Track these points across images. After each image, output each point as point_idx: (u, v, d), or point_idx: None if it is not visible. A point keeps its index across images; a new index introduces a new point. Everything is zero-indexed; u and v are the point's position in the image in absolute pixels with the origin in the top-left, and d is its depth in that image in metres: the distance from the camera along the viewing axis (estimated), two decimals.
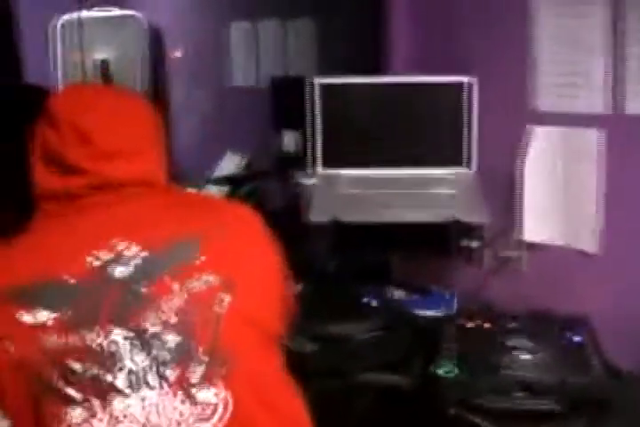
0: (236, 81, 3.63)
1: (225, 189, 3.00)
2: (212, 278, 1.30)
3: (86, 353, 1.24)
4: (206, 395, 1.25)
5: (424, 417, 1.88)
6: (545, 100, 2.09)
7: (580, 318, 1.96)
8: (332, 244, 2.37)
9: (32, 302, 1.26)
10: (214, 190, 3.01)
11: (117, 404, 1.24)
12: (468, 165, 2.30)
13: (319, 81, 2.32)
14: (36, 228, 1.39)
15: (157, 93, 4.02)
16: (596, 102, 1.97)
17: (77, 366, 1.24)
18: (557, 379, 1.71)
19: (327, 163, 2.36)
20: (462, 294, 2.33)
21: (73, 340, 1.24)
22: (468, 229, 2.24)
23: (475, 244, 2.32)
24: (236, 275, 1.34)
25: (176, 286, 1.28)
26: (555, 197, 2.11)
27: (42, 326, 1.24)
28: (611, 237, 2.00)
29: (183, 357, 1.26)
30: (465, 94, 2.25)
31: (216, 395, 1.26)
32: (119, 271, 1.29)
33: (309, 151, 2.36)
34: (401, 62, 2.49)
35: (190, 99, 4.04)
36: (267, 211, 2.65)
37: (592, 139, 1.99)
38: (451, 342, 1.89)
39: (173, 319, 1.27)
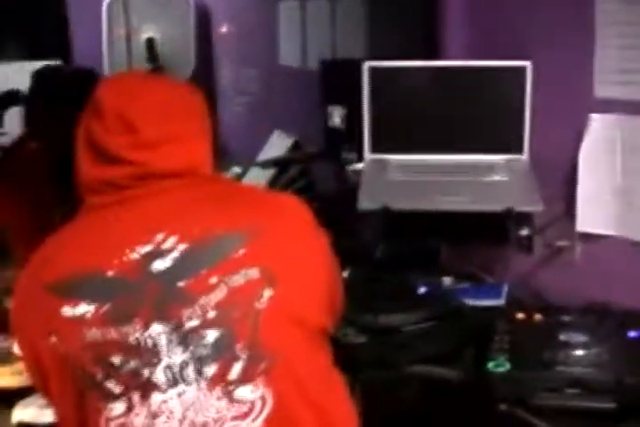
0: (283, 61, 3.58)
1: (271, 172, 2.96)
2: (251, 273, 1.28)
3: (125, 347, 1.24)
4: (244, 392, 1.24)
5: (473, 412, 1.84)
6: (606, 87, 2.01)
7: (636, 314, 1.90)
8: (382, 231, 2.33)
9: (73, 295, 1.26)
10: (260, 173, 2.98)
11: (155, 399, 1.24)
12: (522, 152, 2.24)
13: (369, 64, 2.28)
14: (79, 220, 1.39)
15: (204, 73, 3.99)
16: None
17: (117, 360, 1.24)
18: (613, 377, 1.65)
19: (376, 147, 2.32)
20: (513, 284, 2.28)
21: (111, 333, 1.24)
22: (521, 218, 2.19)
23: (525, 231, 2.27)
24: (278, 269, 1.31)
25: (215, 281, 1.26)
26: (612, 187, 2.04)
27: (81, 320, 1.24)
28: None
29: (221, 352, 1.24)
30: (520, 79, 2.19)
31: (253, 392, 1.24)
32: (158, 264, 1.27)
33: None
34: (456, 48, 2.43)
35: (238, 78, 4.00)
36: (316, 195, 2.66)
37: None
38: (502, 335, 1.84)
39: (212, 314, 1.25)
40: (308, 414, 1.29)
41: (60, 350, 1.25)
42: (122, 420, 1.24)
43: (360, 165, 2.32)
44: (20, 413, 1.68)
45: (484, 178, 2.19)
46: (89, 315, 1.24)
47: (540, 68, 2.16)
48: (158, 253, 1.28)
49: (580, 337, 1.78)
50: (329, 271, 1.42)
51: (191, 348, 1.24)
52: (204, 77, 4.00)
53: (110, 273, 1.26)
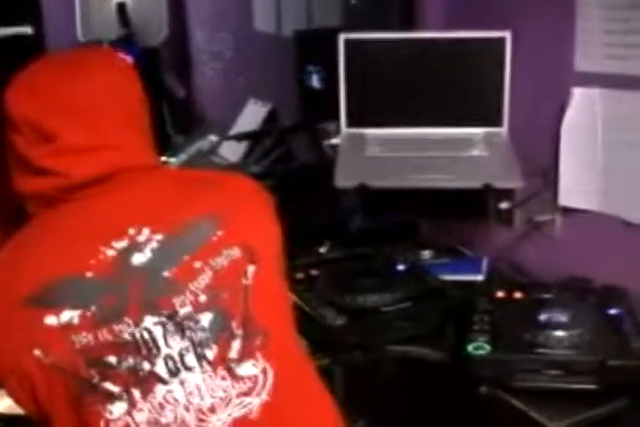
0: (258, 26, 3.51)
1: (244, 144, 2.92)
2: (232, 252, 1.29)
3: (119, 345, 1.22)
4: (245, 368, 1.25)
5: (454, 393, 1.84)
6: (588, 60, 1.97)
7: (617, 290, 1.88)
8: (360, 207, 2.30)
9: (54, 303, 1.22)
10: (234, 145, 2.93)
11: (158, 391, 1.23)
12: (501, 125, 2.20)
13: (344, 36, 2.22)
14: (35, 224, 1.32)
15: (177, 38, 3.91)
16: None
17: (113, 360, 1.22)
18: (594, 358, 1.65)
19: (352, 121, 2.27)
20: (492, 258, 2.26)
21: (103, 334, 1.21)
22: (500, 192, 2.16)
23: (505, 205, 2.24)
24: (255, 245, 1.32)
25: (199, 265, 1.26)
26: (593, 161, 2.01)
27: (68, 327, 1.21)
28: None
29: (218, 333, 1.25)
30: (499, 51, 2.14)
31: (255, 366, 1.26)
32: (138, 258, 1.25)
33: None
34: (434, 17, 2.38)
35: (211, 44, 3.93)
36: (293, 166, 2.62)
37: None
38: (481, 315, 1.82)
39: (203, 298, 1.25)
40: (305, 385, 1.34)
41: (46, 361, 1.21)
42: (124, 420, 1.22)
43: (337, 140, 2.28)
44: None
45: (462, 153, 2.15)
46: (76, 320, 1.21)
47: (520, 39, 2.11)
48: (135, 247, 1.25)
49: (561, 317, 1.76)
50: (280, 247, 1.42)
51: (189, 334, 1.24)
52: (178, 42, 3.93)
53: (89, 274, 1.23)
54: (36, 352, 1.21)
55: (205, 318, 1.25)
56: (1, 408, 1.64)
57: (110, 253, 1.24)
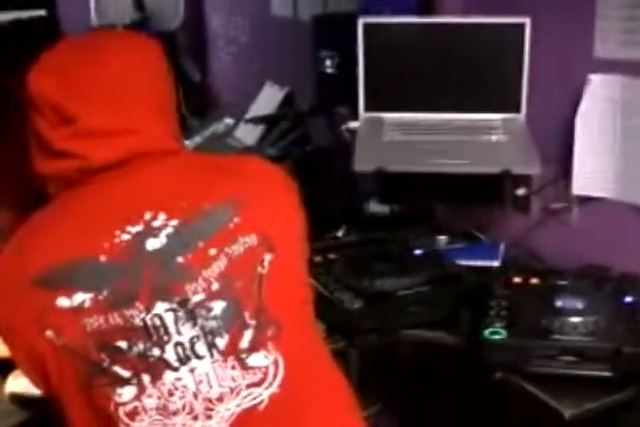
0: (275, 11, 3.50)
1: (260, 127, 2.92)
2: (249, 239, 1.26)
3: (130, 330, 1.21)
4: (256, 359, 1.24)
5: (468, 378, 1.85)
6: (607, 47, 1.96)
7: (634, 278, 1.88)
8: (377, 191, 2.31)
9: (66, 285, 1.21)
10: (249, 129, 2.93)
11: (167, 378, 1.22)
12: (519, 111, 2.20)
13: (363, 20, 2.22)
14: (52, 206, 1.32)
15: (194, 22, 3.90)
16: None
17: (123, 345, 1.21)
18: (609, 345, 1.65)
19: (371, 106, 2.27)
20: (509, 244, 2.26)
21: (114, 319, 1.20)
22: (518, 178, 2.16)
23: (522, 191, 2.25)
24: (273, 233, 1.29)
25: (214, 252, 1.24)
26: (610, 149, 2.01)
27: (80, 309, 1.20)
28: None
29: (231, 322, 1.23)
30: (519, 36, 2.14)
31: (266, 357, 1.24)
32: (151, 243, 1.23)
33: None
34: (453, 2, 2.37)
35: (228, 28, 3.92)
36: (307, 151, 2.62)
37: None
38: (498, 300, 1.82)
39: (216, 286, 1.23)
40: (318, 375, 1.31)
41: (58, 342, 1.21)
42: (133, 404, 1.22)
43: (355, 124, 2.28)
44: (13, 383, 1.66)
45: (480, 138, 2.15)
46: (88, 303, 1.20)
47: (538, 25, 2.11)
48: (150, 232, 1.24)
49: (577, 303, 1.77)
50: (303, 232, 1.40)
51: (200, 322, 1.22)
52: (194, 27, 3.92)
53: (103, 258, 1.22)
54: (49, 333, 1.21)
55: (218, 307, 1.23)
56: (18, 388, 1.66)
57: (125, 237, 1.23)
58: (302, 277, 1.36)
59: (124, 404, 1.22)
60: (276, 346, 1.25)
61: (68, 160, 1.27)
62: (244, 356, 1.23)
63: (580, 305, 1.76)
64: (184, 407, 1.22)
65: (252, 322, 1.24)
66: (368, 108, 2.27)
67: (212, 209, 1.27)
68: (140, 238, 1.23)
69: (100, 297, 1.21)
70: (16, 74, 2.35)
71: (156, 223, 1.24)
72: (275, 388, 1.24)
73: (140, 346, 1.21)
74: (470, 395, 1.66)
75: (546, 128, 2.14)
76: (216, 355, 1.23)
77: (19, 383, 1.66)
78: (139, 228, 1.24)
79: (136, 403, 1.22)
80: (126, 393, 1.21)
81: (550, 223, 2.22)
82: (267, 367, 1.24)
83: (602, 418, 1.67)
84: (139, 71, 1.33)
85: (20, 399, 1.64)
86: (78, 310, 1.20)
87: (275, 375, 1.24)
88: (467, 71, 2.22)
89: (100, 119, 1.27)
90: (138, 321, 1.21)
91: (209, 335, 1.22)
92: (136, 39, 1.41)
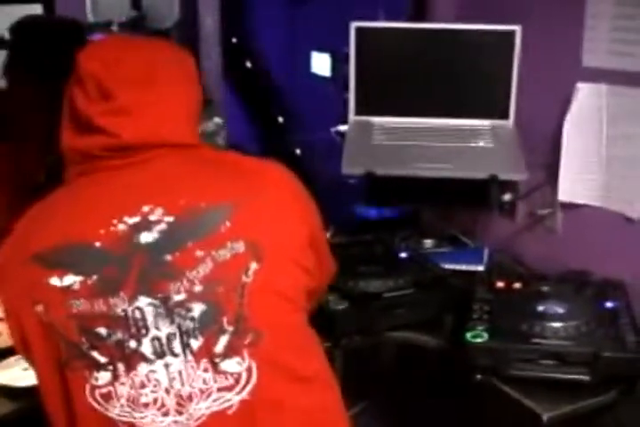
0: None
1: None
2: (237, 246, 1.27)
3: (111, 318, 1.24)
4: (230, 364, 1.25)
5: (449, 380, 1.87)
6: (595, 56, 1.99)
7: (615, 283, 1.92)
8: (365, 194, 2.33)
9: (60, 266, 1.25)
10: None
11: (141, 369, 1.25)
12: (508, 118, 2.23)
13: (355, 25, 2.24)
14: (66, 188, 1.37)
15: (188, 21, 3.91)
16: None
17: (103, 331, 1.24)
18: (589, 350, 1.67)
19: (361, 109, 2.30)
20: (493, 249, 2.29)
21: (99, 305, 1.24)
22: (504, 183, 2.19)
23: (508, 197, 2.27)
24: (264, 242, 1.29)
25: (201, 254, 1.26)
26: (596, 157, 2.04)
27: (69, 290, 1.24)
28: None
29: (207, 326, 1.25)
30: (509, 44, 2.17)
31: (239, 364, 1.25)
32: (144, 237, 1.26)
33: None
34: (445, 9, 2.39)
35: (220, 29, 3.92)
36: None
37: None
38: (481, 304, 1.85)
39: (198, 288, 1.25)
40: (293, 387, 1.30)
41: (46, 319, 1.25)
42: (107, 388, 1.24)
43: (344, 127, 2.30)
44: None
45: (468, 143, 2.18)
46: (76, 286, 1.24)
47: (528, 33, 2.14)
48: (145, 225, 1.27)
49: (558, 308, 1.79)
50: (313, 240, 1.40)
51: (177, 321, 1.24)
52: (188, 25, 3.92)
53: (98, 244, 1.25)
54: (38, 308, 1.25)
55: (197, 309, 1.24)
56: (4, 380, 1.67)
57: (121, 226, 1.26)
58: (293, 287, 1.33)
59: (100, 387, 1.24)
60: (251, 354, 1.25)
61: (100, 136, 1.31)
62: (217, 360, 1.25)
63: (560, 310, 1.79)
64: (155, 402, 1.25)
65: (230, 328, 1.25)
66: (358, 111, 2.30)
67: (207, 210, 1.28)
68: (134, 230, 1.26)
69: (89, 282, 1.24)
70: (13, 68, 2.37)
71: (152, 217, 1.27)
72: (245, 395, 1.25)
73: (119, 335, 1.24)
74: (451, 396, 1.68)
75: (534, 135, 2.16)
76: (189, 355, 1.24)
77: (5, 375, 1.68)
78: (135, 219, 1.27)
79: (110, 387, 1.24)
80: (102, 377, 1.24)
81: (535, 229, 2.25)
82: (239, 374, 1.25)
83: (580, 422, 1.69)
84: (172, 65, 1.40)
85: (6, 391, 1.65)
86: (67, 291, 1.24)
87: (247, 382, 1.25)
88: (456, 77, 2.25)
89: (134, 99, 1.32)
90: (120, 311, 1.24)
91: (184, 335, 1.24)
92: (172, 43, 1.50)
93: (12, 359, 1.70)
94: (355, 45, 2.25)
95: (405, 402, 2.03)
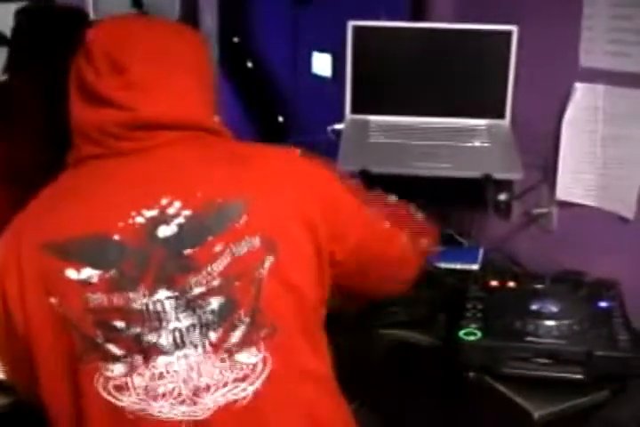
0: None
1: None
2: (254, 241, 1.26)
3: (130, 313, 1.23)
4: (245, 355, 1.26)
5: (442, 378, 1.86)
6: (593, 57, 2.00)
7: (609, 283, 1.91)
8: None
9: (77, 258, 1.24)
10: None
11: (160, 361, 1.24)
12: (504, 117, 2.23)
13: (353, 23, 2.24)
14: (75, 174, 1.34)
15: (189, 18, 3.91)
16: None
17: (120, 324, 1.24)
18: (582, 348, 1.67)
19: (357, 108, 2.30)
20: (488, 248, 2.29)
21: (117, 299, 1.23)
22: (500, 183, 2.19)
23: (504, 196, 2.28)
24: (278, 237, 1.28)
25: (220, 248, 1.25)
26: (592, 157, 2.04)
27: (87, 284, 1.23)
28: None
29: (225, 318, 1.25)
30: (506, 44, 2.17)
31: (255, 356, 1.26)
32: (163, 230, 1.25)
33: None
34: (443, 8, 2.40)
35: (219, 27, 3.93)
36: None
37: None
38: (474, 302, 1.85)
39: (216, 282, 1.25)
40: (305, 382, 1.31)
41: (59, 311, 1.24)
42: (122, 380, 1.24)
43: (340, 125, 2.30)
44: None
45: (464, 143, 2.18)
46: (94, 279, 1.23)
47: (526, 33, 2.14)
48: (163, 219, 1.25)
49: (552, 307, 1.79)
50: (333, 235, 1.35)
51: (198, 313, 1.24)
52: (189, 23, 3.92)
53: (116, 237, 1.24)
54: (53, 300, 1.24)
55: (215, 302, 1.25)
56: None
57: (139, 219, 1.25)
58: (308, 283, 1.33)
59: (114, 378, 1.24)
60: (267, 346, 1.26)
61: (115, 110, 1.29)
62: (233, 351, 1.25)
63: (554, 309, 1.79)
64: (172, 392, 1.25)
65: (247, 320, 1.25)
66: (354, 109, 2.30)
67: (224, 204, 1.27)
68: (153, 223, 1.25)
69: (107, 276, 1.23)
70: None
71: (170, 210, 1.26)
72: (259, 385, 1.25)
73: (137, 329, 1.23)
74: (444, 395, 1.68)
75: (530, 135, 2.16)
76: (208, 347, 1.25)
77: None
78: (153, 212, 1.26)
79: (125, 379, 1.24)
80: (117, 369, 1.24)
81: (531, 228, 2.25)
82: (254, 364, 1.26)
83: (572, 420, 1.69)
84: (187, 47, 1.39)
85: None
86: (84, 284, 1.23)
87: (260, 373, 1.25)
88: (453, 76, 2.25)
89: (150, 74, 1.31)
90: (138, 305, 1.23)
91: (204, 327, 1.25)
92: (189, 27, 1.49)
93: None
94: (352, 44, 2.25)
95: (397, 400, 2.02)
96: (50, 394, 1.29)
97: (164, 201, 1.26)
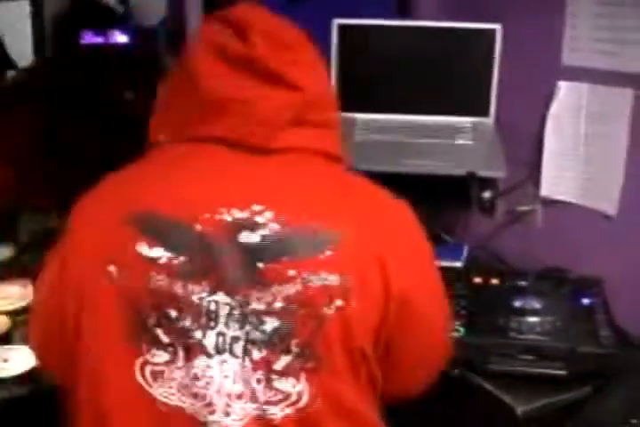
0: None
1: None
2: (331, 278, 1.20)
3: (185, 303, 1.19)
4: (283, 384, 1.21)
5: None
6: (576, 55, 2.01)
7: (592, 280, 1.93)
8: None
9: (153, 236, 1.20)
10: None
11: (199, 362, 1.21)
12: (488, 115, 2.24)
13: (337, 22, 2.25)
14: (174, 153, 1.30)
15: (175, 17, 3.90)
16: (634, 60, 1.89)
17: (173, 314, 1.20)
18: (565, 345, 1.69)
19: (342, 106, 2.29)
20: (473, 246, 2.30)
21: (177, 287, 1.19)
22: (484, 181, 2.19)
23: (488, 194, 2.28)
24: (357, 282, 1.22)
25: (293, 274, 1.19)
26: (575, 155, 2.05)
27: (153, 263, 1.20)
28: (630, 200, 1.96)
29: (275, 342, 1.20)
30: (489, 42, 2.18)
31: (293, 386, 1.21)
32: (245, 236, 1.20)
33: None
34: (428, 6, 2.41)
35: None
36: None
37: (625, 99, 1.92)
38: (458, 299, 1.86)
39: (279, 304, 1.19)
40: (340, 419, 1.25)
41: (118, 282, 1.20)
42: (161, 368, 1.21)
43: None
44: None
45: (449, 141, 2.19)
46: (163, 261, 1.19)
47: (510, 32, 2.15)
48: (250, 225, 1.20)
49: (535, 304, 1.81)
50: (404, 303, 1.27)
51: (247, 328, 1.20)
52: (175, 21, 3.91)
53: (198, 228, 1.20)
54: (111, 268, 1.21)
55: (270, 324, 1.20)
56: None
57: (226, 217, 1.20)
58: (367, 337, 1.25)
59: (154, 364, 1.21)
60: (308, 379, 1.21)
61: (284, 90, 1.26)
62: (273, 377, 1.21)
63: (537, 305, 1.81)
64: (204, 397, 1.21)
65: (296, 349, 1.20)
66: (340, 108, 2.29)
67: (316, 230, 1.21)
68: (238, 226, 1.20)
69: (176, 261, 1.19)
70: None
71: (259, 219, 1.20)
72: (289, 412, 1.21)
73: (187, 322, 1.20)
74: (428, 391, 1.68)
75: (514, 132, 2.18)
76: (247, 362, 1.20)
77: None
78: (243, 215, 1.21)
79: (164, 368, 1.21)
80: (160, 355, 1.20)
81: (515, 226, 2.26)
82: (289, 394, 1.21)
83: (555, 416, 1.70)
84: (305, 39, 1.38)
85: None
86: (152, 263, 1.19)
87: (294, 403, 1.21)
88: (438, 75, 2.26)
89: (274, 60, 1.27)
90: (195, 298, 1.19)
91: (249, 343, 1.20)
92: None
93: None
94: (337, 42, 2.25)
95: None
96: (81, 373, 1.25)
97: (256, 207, 1.21)
